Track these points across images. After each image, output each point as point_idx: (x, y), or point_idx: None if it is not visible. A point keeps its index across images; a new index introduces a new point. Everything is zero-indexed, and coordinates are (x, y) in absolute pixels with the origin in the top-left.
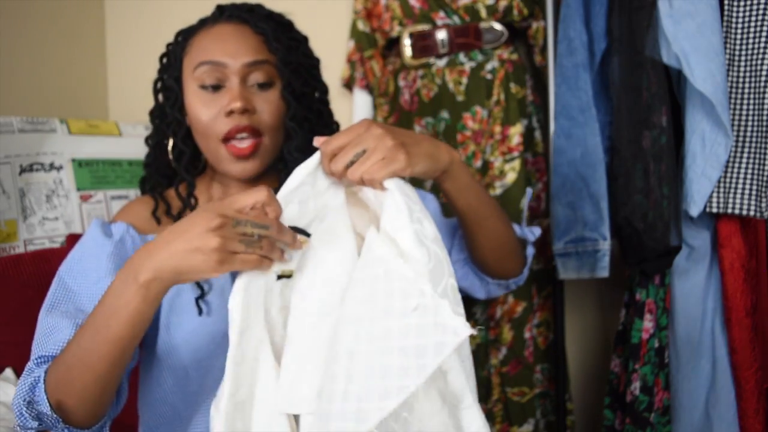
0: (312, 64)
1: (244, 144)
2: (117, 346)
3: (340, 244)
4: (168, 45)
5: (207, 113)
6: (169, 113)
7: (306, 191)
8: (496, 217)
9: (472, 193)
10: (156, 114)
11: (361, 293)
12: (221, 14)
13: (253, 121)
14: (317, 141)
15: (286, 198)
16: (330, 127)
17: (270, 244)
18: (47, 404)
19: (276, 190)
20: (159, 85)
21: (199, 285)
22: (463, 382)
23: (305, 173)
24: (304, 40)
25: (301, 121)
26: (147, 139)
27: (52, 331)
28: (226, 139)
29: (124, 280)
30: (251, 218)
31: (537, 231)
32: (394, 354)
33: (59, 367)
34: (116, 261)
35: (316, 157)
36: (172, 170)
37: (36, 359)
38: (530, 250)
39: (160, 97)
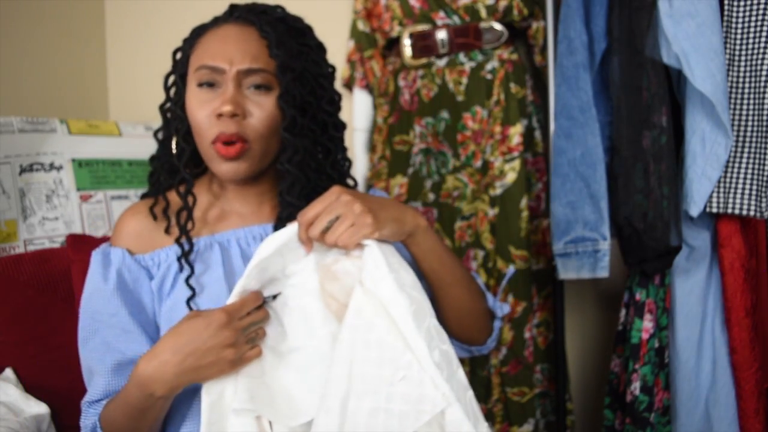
0: (321, 72)
1: (230, 146)
2: (159, 421)
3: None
4: (184, 40)
5: (201, 113)
6: (173, 110)
7: (278, 262)
8: (462, 285)
9: (435, 259)
10: (164, 109)
11: (353, 355)
12: (231, 14)
13: (240, 128)
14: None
15: (261, 265)
16: (335, 141)
17: (263, 331)
18: None
19: (270, 200)
20: (170, 80)
21: (190, 286)
22: (462, 416)
23: (280, 243)
24: (318, 47)
25: (299, 131)
26: (156, 133)
27: (91, 373)
28: (214, 141)
29: (142, 394)
30: (253, 319)
31: (506, 308)
32: (380, 414)
33: (110, 420)
34: (121, 297)
35: (291, 228)
36: (177, 172)
37: (87, 402)
38: (497, 324)
39: (171, 92)
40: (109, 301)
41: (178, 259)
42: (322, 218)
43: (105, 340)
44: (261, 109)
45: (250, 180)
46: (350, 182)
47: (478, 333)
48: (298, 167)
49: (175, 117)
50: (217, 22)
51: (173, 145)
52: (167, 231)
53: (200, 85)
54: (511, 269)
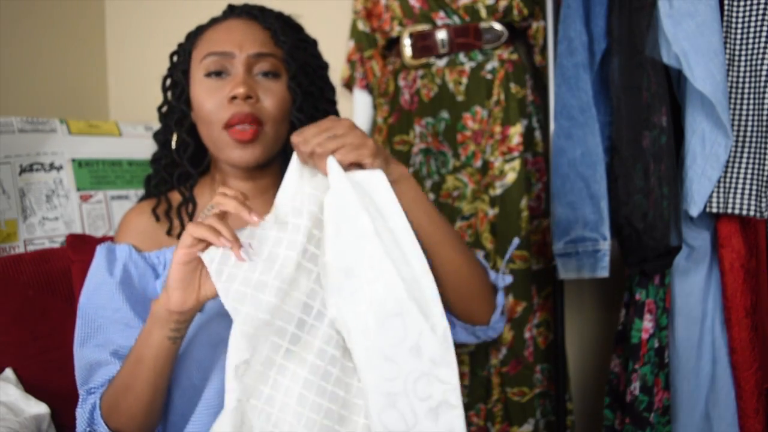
0: (320, 65)
1: (246, 128)
2: (157, 372)
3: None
4: (180, 44)
5: (211, 101)
6: (174, 105)
7: (302, 200)
8: (453, 246)
9: (422, 211)
10: (164, 109)
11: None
12: (231, 11)
13: (255, 109)
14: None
15: (285, 212)
16: None
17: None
18: (104, 426)
19: (272, 197)
20: (168, 81)
21: None
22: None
23: (295, 179)
24: (313, 43)
25: (308, 113)
26: (155, 135)
27: (94, 366)
28: (228, 125)
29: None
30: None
31: (508, 279)
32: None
33: (109, 389)
34: (125, 291)
35: (295, 159)
36: (177, 168)
37: (87, 389)
38: (500, 299)
39: (169, 93)
40: (114, 295)
41: None
42: (320, 133)
43: (108, 338)
44: (272, 94)
45: (256, 174)
46: None
47: (480, 306)
48: None
49: (177, 113)
50: (216, 20)
51: (173, 141)
52: (169, 233)
53: (208, 74)
54: (515, 241)
